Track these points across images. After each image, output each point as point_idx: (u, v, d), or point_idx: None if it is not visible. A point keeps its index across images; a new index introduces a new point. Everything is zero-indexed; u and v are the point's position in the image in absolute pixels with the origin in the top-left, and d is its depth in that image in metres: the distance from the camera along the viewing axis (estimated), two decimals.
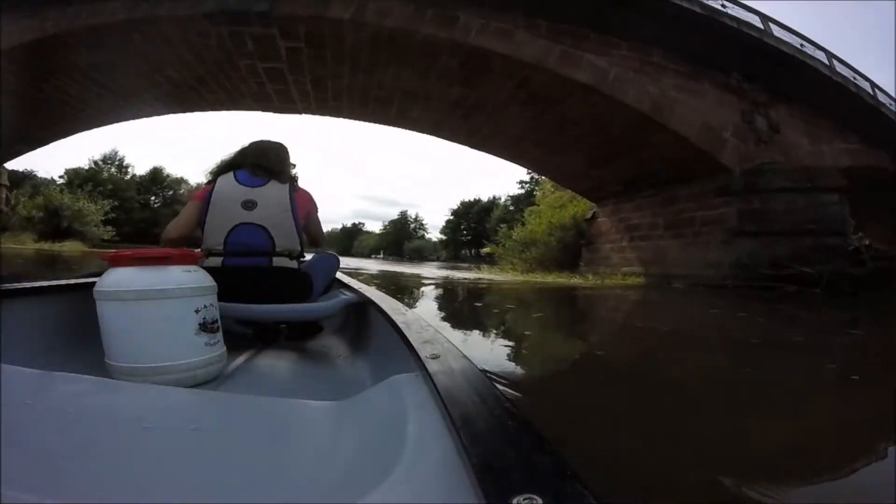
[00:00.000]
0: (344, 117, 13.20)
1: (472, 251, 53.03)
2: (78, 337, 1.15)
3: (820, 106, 10.67)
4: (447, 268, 25.28)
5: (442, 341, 0.77)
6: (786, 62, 9.79)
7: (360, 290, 1.67)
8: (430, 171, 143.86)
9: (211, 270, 1.17)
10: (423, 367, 0.63)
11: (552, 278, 11.27)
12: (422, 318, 1.03)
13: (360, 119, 13.07)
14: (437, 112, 10.89)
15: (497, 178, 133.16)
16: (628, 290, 8.87)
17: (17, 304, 1.11)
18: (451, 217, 57.92)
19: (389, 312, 1.11)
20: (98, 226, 20.74)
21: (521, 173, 47.95)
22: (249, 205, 1.47)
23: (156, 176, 47.64)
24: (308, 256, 1.75)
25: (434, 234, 65.25)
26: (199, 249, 1.45)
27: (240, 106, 13.08)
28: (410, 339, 0.79)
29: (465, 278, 11.39)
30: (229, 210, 1.48)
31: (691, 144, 8.77)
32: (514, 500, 0.29)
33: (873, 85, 12.05)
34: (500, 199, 53.84)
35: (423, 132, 12.78)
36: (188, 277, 1.04)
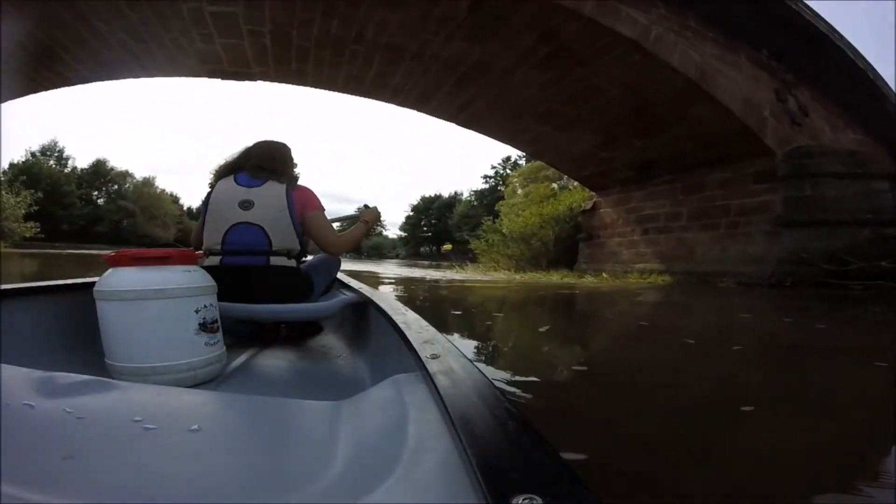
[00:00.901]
0: (308, 85, 10.99)
1: (433, 248, 51.46)
2: (78, 337, 1.15)
3: (836, 93, 9.94)
4: (410, 265, 23.42)
5: (442, 341, 0.76)
6: (816, 41, 8.85)
7: (361, 290, 1.64)
8: (387, 166, 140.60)
9: (209, 270, 1.19)
10: (423, 367, 0.61)
11: (558, 278, 9.80)
12: (421, 318, 1.00)
13: (327, 87, 10.93)
14: (426, 76, 9.04)
15: (458, 173, 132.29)
16: (663, 291, 7.53)
17: (18, 304, 1.11)
18: (411, 213, 55.97)
19: (389, 312, 1.08)
20: (18, 221, 17.56)
21: (486, 168, 46.85)
22: (246, 204, 1.47)
23: (99, 169, 43.12)
24: (310, 257, 1.73)
25: (392, 231, 63.05)
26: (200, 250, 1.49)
27: (179, 70, 10.50)
28: (410, 339, 0.77)
29: (453, 281, 9.68)
30: (226, 211, 1.48)
31: (735, 120, 7.56)
32: (514, 501, 0.29)
33: (877, 76, 11.65)
34: (461, 194, 52.57)
35: (402, 105, 10.82)
36: (188, 277, 1.04)
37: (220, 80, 11.11)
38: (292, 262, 1.52)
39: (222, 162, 1.62)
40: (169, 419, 0.55)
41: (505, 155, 46.31)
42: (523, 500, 0.29)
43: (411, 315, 1.06)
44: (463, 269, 13.10)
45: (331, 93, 11.33)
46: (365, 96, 10.97)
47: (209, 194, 1.53)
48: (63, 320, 1.21)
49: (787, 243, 7.40)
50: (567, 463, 0.34)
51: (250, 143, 1.65)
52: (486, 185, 45.57)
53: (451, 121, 10.90)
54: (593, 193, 11.40)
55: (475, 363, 0.63)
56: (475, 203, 45.62)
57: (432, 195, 55.45)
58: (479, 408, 0.45)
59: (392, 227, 62.59)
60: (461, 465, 0.36)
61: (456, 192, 53.47)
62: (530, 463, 0.34)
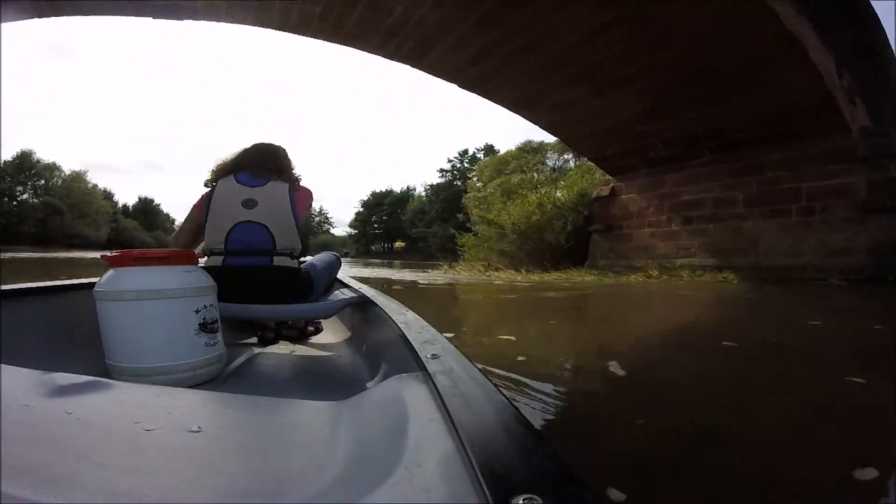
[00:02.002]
0: (270, 26, 8.48)
1: (385, 245, 48.96)
2: (78, 337, 1.14)
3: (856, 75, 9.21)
4: (366, 264, 20.96)
5: (442, 341, 0.76)
6: (862, 18, 7.92)
7: (361, 290, 1.63)
8: (334, 160, 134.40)
9: (211, 270, 1.26)
10: (424, 367, 0.62)
11: (593, 278, 8.18)
12: (421, 318, 1.01)
13: (295, 30, 8.49)
14: (436, 13, 7.01)
15: (411, 167, 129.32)
16: (742, 292, 6.10)
17: (18, 304, 1.12)
18: (361, 209, 52.99)
19: (389, 312, 1.11)
20: None
21: (441, 161, 45.18)
22: (250, 203, 1.47)
23: (23, 162, 38.34)
24: (309, 257, 1.79)
25: (340, 229, 59.58)
26: (198, 250, 1.50)
27: (101, 7, 7.57)
28: (411, 339, 0.78)
29: (490, 287, 7.75)
30: (229, 209, 1.48)
31: (821, 88, 6.33)
32: (515, 501, 0.29)
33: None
34: (414, 189, 50.47)
35: (391, 56, 8.60)
36: (188, 278, 1.05)
37: (150, 19, 8.31)
38: (294, 263, 1.53)
39: (220, 161, 1.61)
40: (169, 419, 0.54)
41: (462, 148, 44.88)
42: (523, 500, 0.28)
43: (411, 315, 1.07)
44: (454, 269, 11.11)
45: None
46: (343, 43, 8.65)
47: (210, 193, 1.52)
48: (63, 320, 1.20)
49: (877, 231, 6.26)
50: (567, 463, 0.34)
51: (248, 145, 1.66)
52: (443, 180, 43.85)
53: (452, 80, 8.90)
54: (610, 178, 9.90)
55: (475, 363, 0.61)
56: (431, 198, 43.78)
57: (383, 190, 52.90)
58: (479, 408, 0.45)
59: (340, 224, 59.34)
60: (461, 465, 0.36)
61: (409, 187, 51.29)
62: (530, 463, 0.34)
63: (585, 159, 22.15)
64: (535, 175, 21.13)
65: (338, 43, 8.67)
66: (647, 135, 8.24)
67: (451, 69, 8.58)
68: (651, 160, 8.76)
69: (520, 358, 2.18)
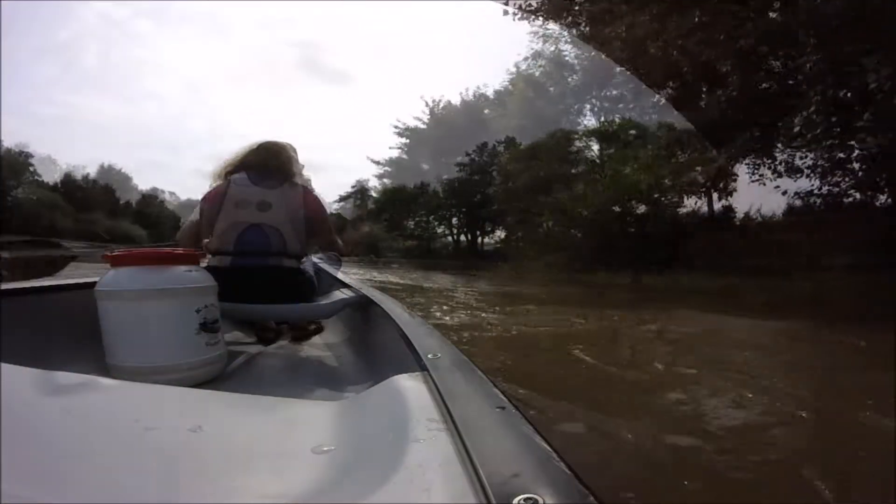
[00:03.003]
0: None
1: (396, 245, 47.69)
2: (79, 336, 1.14)
3: None
4: (377, 269, 18.70)
5: (442, 341, 0.77)
6: None
7: (362, 289, 1.65)
8: (336, 158, 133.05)
9: (217, 270, 1.27)
10: (424, 367, 0.62)
11: (723, 283, 6.47)
12: (422, 318, 1.01)
13: None
14: None
15: (422, 164, 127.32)
16: None
17: (18, 304, 1.13)
18: (372, 206, 51.65)
19: (390, 312, 1.12)
20: None
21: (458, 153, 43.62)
22: (264, 206, 1.50)
23: (16, 155, 36.66)
24: (311, 256, 1.79)
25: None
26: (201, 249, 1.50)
27: None
28: (411, 339, 0.79)
29: None
30: (243, 211, 1.49)
31: None
32: (515, 501, 0.29)
33: None
34: (428, 184, 48.89)
35: None
36: (189, 277, 1.06)
37: None
38: (296, 263, 1.56)
39: (227, 160, 1.63)
40: (169, 419, 0.55)
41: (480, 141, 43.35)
42: (523, 500, 0.29)
43: (411, 315, 1.06)
44: (524, 277, 9.32)
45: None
46: None
47: (223, 192, 1.53)
48: (64, 320, 1.20)
49: None
50: (567, 463, 0.34)
51: (254, 144, 1.66)
52: (460, 174, 42.23)
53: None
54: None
55: (475, 363, 0.62)
56: (447, 194, 42.25)
57: (395, 186, 51.37)
58: (479, 408, 0.45)
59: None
60: (461, 465, 0.36)
61: (422, 182, 49.68)
62: (530, 463, 0.34)
63: (614, 149, 20.48)
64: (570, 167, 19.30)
65: None
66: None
67: None
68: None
69: None
